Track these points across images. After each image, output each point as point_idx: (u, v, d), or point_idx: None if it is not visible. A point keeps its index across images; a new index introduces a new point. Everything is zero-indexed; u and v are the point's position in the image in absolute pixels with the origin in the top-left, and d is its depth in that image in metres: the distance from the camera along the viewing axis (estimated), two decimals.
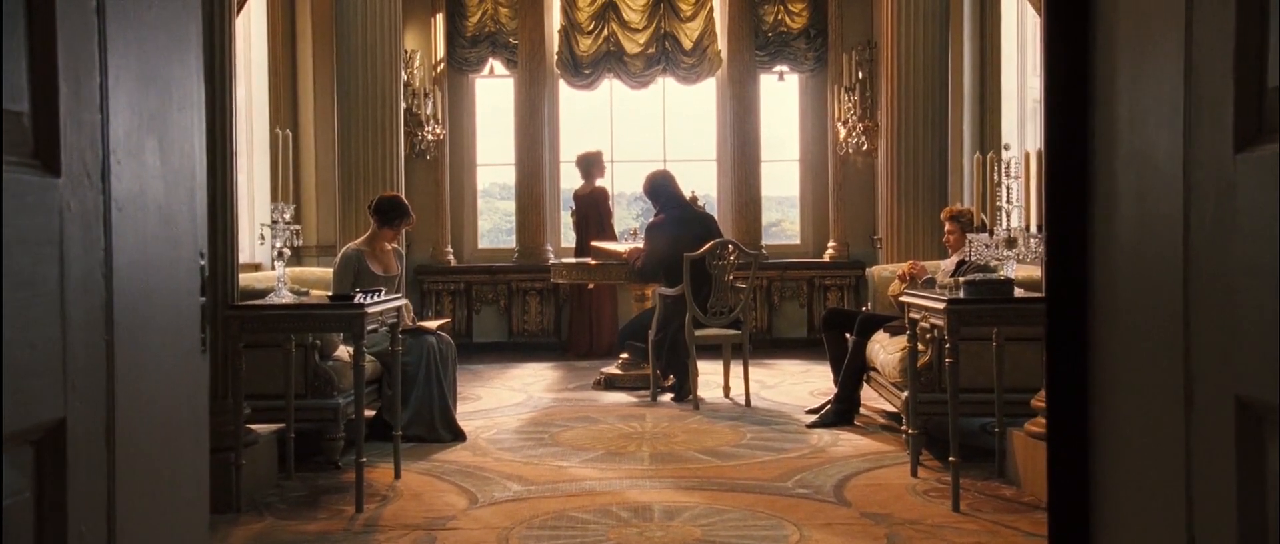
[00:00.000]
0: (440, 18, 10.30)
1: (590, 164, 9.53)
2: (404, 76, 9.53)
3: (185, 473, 1.41)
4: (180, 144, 1.38)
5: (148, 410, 1.27)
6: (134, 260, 1.23)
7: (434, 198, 10.27)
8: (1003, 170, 4.67)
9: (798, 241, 10.73)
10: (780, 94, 10.67)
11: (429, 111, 10.02)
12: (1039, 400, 4.71)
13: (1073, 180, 1.53)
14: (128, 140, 1.22)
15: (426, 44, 10.26)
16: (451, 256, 10.36)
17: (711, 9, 10.28)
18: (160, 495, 1.32)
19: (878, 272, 7.09)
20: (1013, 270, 4.71)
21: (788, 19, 10.38)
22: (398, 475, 5.07)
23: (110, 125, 1.17)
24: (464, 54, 10.42)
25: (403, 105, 8.98)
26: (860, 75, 10.04)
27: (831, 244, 10.35)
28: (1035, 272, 5.11)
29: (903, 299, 5.22)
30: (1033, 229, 4.60)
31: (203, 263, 1.46)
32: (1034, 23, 8.56)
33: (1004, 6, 8.87)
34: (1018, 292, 4.61)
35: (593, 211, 9.51)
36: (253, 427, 4.97)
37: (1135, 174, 1.34)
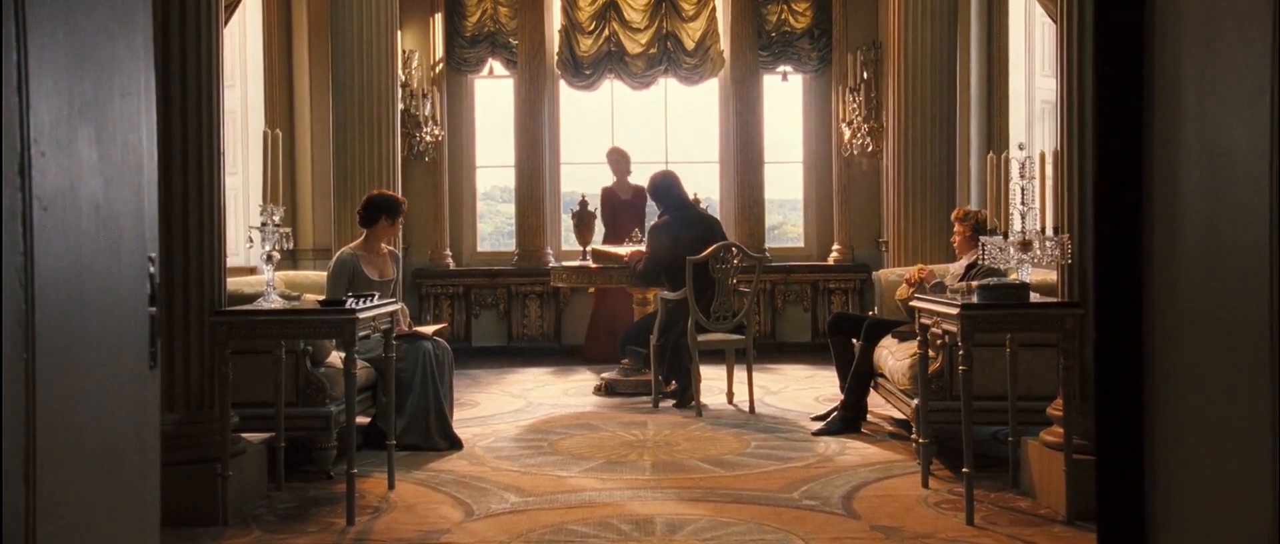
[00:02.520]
0: (439, 18, 10.15)
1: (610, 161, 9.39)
2: (402, 77, 9.38)
3: (129, 504, 1.25)
4: (123, 134, 1.22)
5: (81, 438, 1.11)
6: (63, 266, 1.07)
7: (433, 200, 10.13)
8: (1017, 171, 4.51)
9: (801, 244, 10.57)
10: (783, 95, 10.52)
11: (427, 113, 9.87)
12: (1055, 409, 4.55)
13: (1123, 174, 1.37)
14: (55, 129, 1.06)
15: (425, 44, 10.11)
16: (450, 260, 10.21)
17: (714, 8, 10.13)
18: (96, 531, 1.16)
19: (885, 275, 6.93)
20: (1028, 274, 4.55)
21: (791, 19, 10.23)
22: (392, 486, 4.91)
23: (32, 111, 1.01)
24: (463, 54, 10.28)
25: (400, 106, 8.82)
26: (865, 75, 9.89)
27: (836, 247, 10.19)
28: (1050, 275, 4.96)
29: (913, 304, 5.06)
30: (1048, 231, 4.44)
31: (153, 269, 1.30)
32: (1042, 22, 8.42)
33: (1011, 6, 8.72)
34: (1033, 296, 4.45)
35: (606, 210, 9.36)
36: (242, 435, 4.82)
37: (1205, 167, 1.18)
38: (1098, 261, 1.41)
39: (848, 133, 9.92)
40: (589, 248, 8.14)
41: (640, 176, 8.79)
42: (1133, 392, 1.41)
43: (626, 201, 9.19)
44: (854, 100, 9.89)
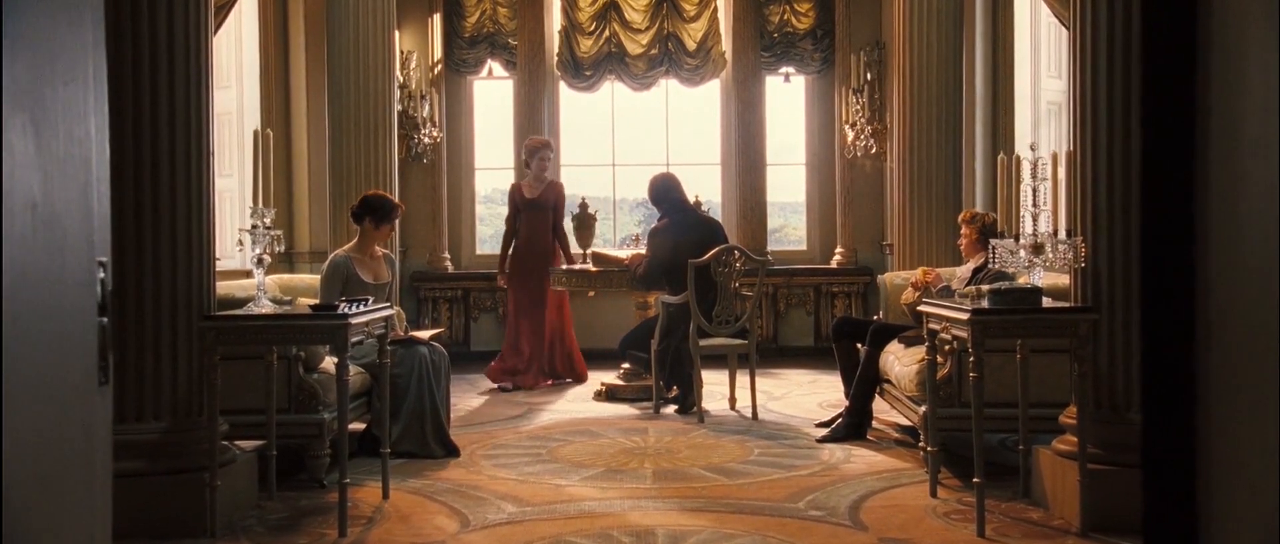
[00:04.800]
0: (437, 18, 10.03)
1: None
2: (400, 78, 9.25)
3: (72, 535, 1.12)
4: (66, 126, 1.10)
5: (11, 463, 0.99)
6: None
7: (431, 202, 10.00)
8: (1030, 172, 4.39)
9: (804, 247, 10.44)
10: (786, 96, 10.39)
11: (426, 114, 9.75)
12: (1068, 416, 4.42)
13: (1172, 173, 1.25)
14: None
15: (423, 45, 9.99)
16: (449, 263, 10.08)
17: (716, 9, 10.00)
18: None
19: (890, 278, 6.81)
20: (1039, 278, 4.42)
21: (794, 19, 10.11)
22: (386, 495, 4.78)
23: None
24: (462, 55, 10.15)
25: (397, 107, 8.69)
26: (868, 77, 9.76)
27: (839, 250, 10.07)
28: (1062, 280, 4.83)
29: (922, 309, 4.94)
30: (1062, 234, 4.32)
31: (103, 274, 1.18)
32: (1048, 23, 8.30)
33: (1017, 6, 8.60)
34: (1045, 301, 4.32)
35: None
36: (232, 443, 4.69)
37: (1273, 162, 1.06)
38: (1145, 266, 1.28)
39: (851, 134, 9.80)
40: (589, 251, 8.01)
41: (637, 181, 8.59)
42: (1184, 402, 1.29)
43: (531, 200, 8.23)
44: (857, 101, 9.76)
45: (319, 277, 6.13)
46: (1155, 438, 1.37)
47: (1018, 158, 4.54)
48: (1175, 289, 1.25)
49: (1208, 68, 1.19)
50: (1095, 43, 4.27)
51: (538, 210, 8.24)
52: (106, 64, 1.25)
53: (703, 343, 6.78)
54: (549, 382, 8.17)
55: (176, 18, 4.27)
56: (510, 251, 8.30)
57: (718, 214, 9.82)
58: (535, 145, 8.47)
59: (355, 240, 5.97)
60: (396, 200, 6.09)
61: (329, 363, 5.30)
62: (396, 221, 6.04)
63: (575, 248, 8.27)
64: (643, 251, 7.47)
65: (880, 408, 6.28)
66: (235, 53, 8.44)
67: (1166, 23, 1.23)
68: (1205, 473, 1.29)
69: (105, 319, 1.20)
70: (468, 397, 7.66)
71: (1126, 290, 4.20)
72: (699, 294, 6.68)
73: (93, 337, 1.17)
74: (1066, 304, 4.43)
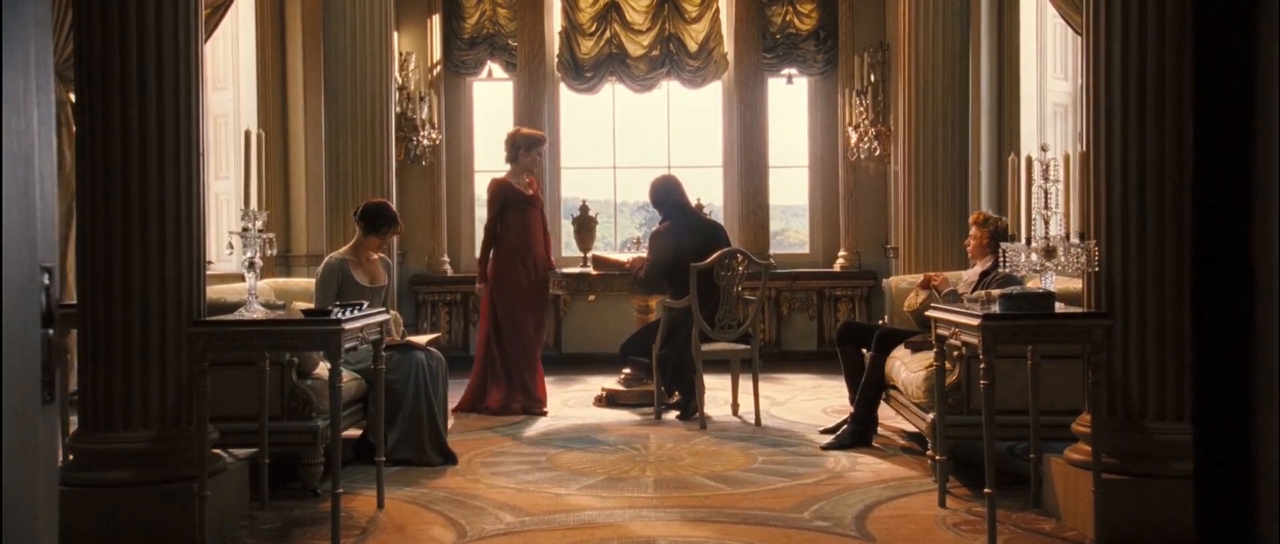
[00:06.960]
0: (436, 19, 9.92)
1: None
2: (398, 79, 9.15)
3: None
4: (3, 117, 0.99)
5: None
6: None
7: (430, 205, 9.90)
8: (1041, 174, 4.28)
9: (806, 251, 10.33)
10: (788, 98, 10.29)
11: (425, 116, 9.64)
12: (1081, 424, 4.31)
13: (1227, 171, 1.14)
14: None
15: (422, 46, 9.89)
16: (448, 266, 9.98)
17: (717, 10, 9.90)
18: None
19: (896, 282, 6.69)
20: (1051, 282, 4.31)
21: (796, 20, 10.00)
22: (381, 504, 4.67)
23: None
24: (461, 56, 10.05)
25: (395, 109, 8.58)
26: (872, 78, 9.65)
27: (842, 253, 9.96)
28: (1074, 284, 4.72)
29: (929, 314, 4.82)
30: (1074, 237, 4.21)
31: (48, 281, 1.07)
32: (1053, 23, 8.20)
33: (1023, 6, 8.50)
34: (1058, 306, 4.21)
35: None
36: (225, 451, 4.58)
37: None
38: (1197, 266, 1.18)
39: (854, 136, 9.69)
40: (590, 254, 7.90)
41: (639, 183, 8.43)
42: (1239, 407, 1.19)
43: (529, 197, 7.43)
44: (861, 103, 9.65)
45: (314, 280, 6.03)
46: (1209, 446, 1.27)
47: (1029, 158, 4.43)
48: (1230, 290, 1.14)
49: (1269, 72, 1.08)
50: (1109, 40, 4.15)
51: (533, 208, 7.46)
52: (96, 62, 1.14)
53: (705, 347, 6.67)
54: (519, 404, 7.15)
55: (165, 14, 4.17)
56: (492, 255, 7.42)
57: (719, 217, 9.71)
58: (534, 137, 7.62)
59: (351, 243, 5.88)
60: (395, 215, 5.92)
61: (323, 369, 5.19)
62: (387, 235, 5.91)
63: (575, 250, 8.12)
64: (643, 255, 7.36)
65: (886, 414, 6.16)
66: (231, 54, 8.34)
67: (1221, 28, 1.12)
68: (1266, 483, 1.19)
69: (51, 330, 1.09)
70: None
71: (1141, 295, 4.09)
72: (701, 298, 6.57)
73: (35, 350, 1.06)
74: (1080, 309, 4.31)
